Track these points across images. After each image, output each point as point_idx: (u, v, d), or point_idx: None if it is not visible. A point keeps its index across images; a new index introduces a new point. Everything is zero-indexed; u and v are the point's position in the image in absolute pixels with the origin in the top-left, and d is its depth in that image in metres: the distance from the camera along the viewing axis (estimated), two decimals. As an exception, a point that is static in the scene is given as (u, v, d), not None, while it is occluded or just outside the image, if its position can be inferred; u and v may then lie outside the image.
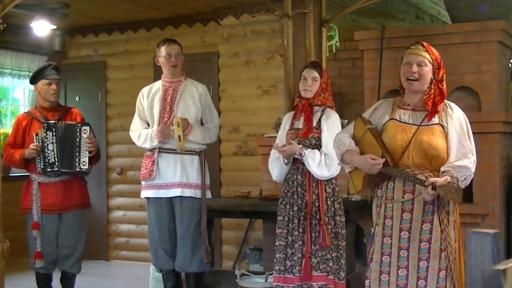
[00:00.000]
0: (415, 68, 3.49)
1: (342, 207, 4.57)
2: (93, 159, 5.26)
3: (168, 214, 5.08)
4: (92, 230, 6.75)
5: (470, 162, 3.45)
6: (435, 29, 6.02)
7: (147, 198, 5.15)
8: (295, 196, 4.49)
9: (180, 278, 5.30)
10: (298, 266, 4.43)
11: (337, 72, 6.45)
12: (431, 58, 3.52)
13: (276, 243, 4.53)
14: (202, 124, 5.19)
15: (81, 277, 5.53)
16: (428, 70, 3.51)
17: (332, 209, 4.50)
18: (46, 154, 5.11)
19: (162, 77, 5.23)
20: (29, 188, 5.20)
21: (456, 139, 3.48)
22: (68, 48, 8.36)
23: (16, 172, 7.03)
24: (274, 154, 4.60)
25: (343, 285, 4.51)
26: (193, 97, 5.14)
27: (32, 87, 5.48)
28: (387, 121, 3.59)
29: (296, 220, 4.47)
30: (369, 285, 3.58)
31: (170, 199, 5.06)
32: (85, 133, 5.17)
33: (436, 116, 3.52)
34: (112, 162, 8.10)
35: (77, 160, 5.14)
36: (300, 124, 4.58)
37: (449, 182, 3.31)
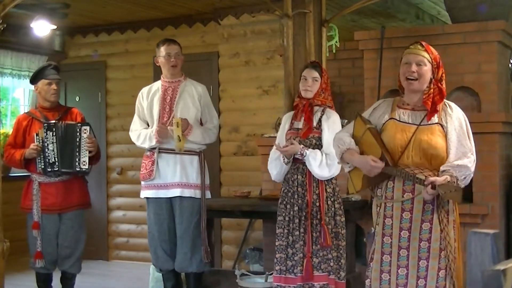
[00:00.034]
0: (414, 67, 3.50)
1: (342, 207, 4.57)
2: (93, 159, 5.26)
3: (167, 214, 5.08)
4: (92, 230, 6.75)
5: (470, 161, 3.45)
6: (435, 29, 6.02)
7: (147, 198, 5.15)
8: (296, 196, 4.49)
9: (180, 278, 5.30)
10: (299, 266, 4.42)
11: (337, 72, 6.45)
12: (430, 57, 3.53)
13: (276, 243, 4.53)
14: (201, 124, 5.19)
15: (81, 277, 5.53)
16: (427, 69, 3.51)
17: (333, 209, 4.50)
18: (46, 154, 5.11)
19: (161, 77, 5.23)
20: (29, 188, 5.20)
21: (455, 138, 3.48)
22: (68, 48, 8.36)
23: (16, 172, 7.03)
24: (274, 153, 4.60)
25: (343, 284, 4.52)
26: (192, 97, 5.14)
27: (32, 87, 5.48)
28: (387, 120, 3.60)
29: (297, 220, 4.47)
30: (370, 285, 3.58)
31: (170, 199, 5.06)
32: (85, 133, 5.17)
33: (436, 115, 3.52)
34: (112, 162, 8.10)
35: (77, 160, 5.15)
36: (300, 124, 4.58)
37: (448, 181, 3.31)
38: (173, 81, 5.17)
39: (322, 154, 4.44)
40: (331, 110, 4.61)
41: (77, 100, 8.13)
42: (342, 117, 4.77)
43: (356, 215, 5.35)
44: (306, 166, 4.47)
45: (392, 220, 3.52)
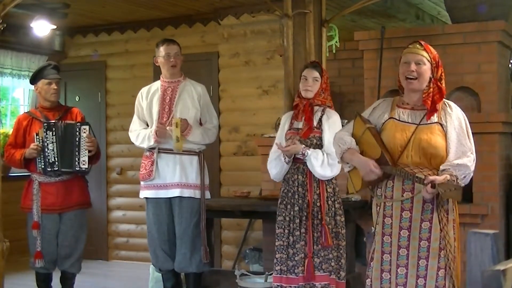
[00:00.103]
0: (413, 66, 3.51)
1: (341, 207, 4.57)
2: (93, 159, 5.26)
3: (167, 214, 5.08)
4: (92, 230, 6.74)
5: (470, 160, 3.46)
6: (435, 29, 6.03)
7: (146, 198, 5.15)
8: (296, 196, 4.49)
9: (180, 278, 5.30)
10: (301, 267, 4.42)
11: (337, 72, 6.45)
12: (429, 56, 3.53)
13: (276, 243, 4.52)
14: (201, 124, 5.19)
15: (81, 277, 5.53)
16: (426, 68, 3.52)
17: (333, 209, 4.50)
18: (46, 154, 5.11)
19: (161, 77, 5.23)
20: (29, 188, 5.21)
21: (455, 137, 3.48)
22: (68, 48, 8.36)
23: (16, 172, 7.03)
24: (274, 153, 4.59)
25: (343, 284, 4.52)
26: (192, 97, 5.14)
27: (32, 87, 5.48)
28: (386, 120, 3.60)
29: (297, 220, 4.46)
30: (370, 284, 3.59)
31: (169, 199, 5.06)
32: (84, 132, 5.17)
33: (435, 115, 3.52)
34: (112, 162, 8.10)
35: (76, 159, 5.15)
36: (300, 124, 4.57)
37: (448, 180, 3.31)
38: (173, 81, 5.17)
39: (323, 154, 4.44)
40: (331, 110, 4.61)
41: (77, 100, 8.13)
42: (342, 117, 4.76)
43: (356, 215, 5.36)
44: (306, 166, 4.47)
45: (391, 220, 3.53)
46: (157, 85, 5.22)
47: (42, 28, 6.98)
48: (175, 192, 5.03)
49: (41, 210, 5.12)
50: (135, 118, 5.26)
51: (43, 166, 5.11)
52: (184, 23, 7.54)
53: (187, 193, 5.03)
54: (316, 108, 4.57)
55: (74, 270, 5.31)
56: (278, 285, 4.50)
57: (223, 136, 7.26)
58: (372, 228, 3.66)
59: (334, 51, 5.88)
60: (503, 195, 5.42)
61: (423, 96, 3.53)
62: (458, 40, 5.49)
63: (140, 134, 5.15)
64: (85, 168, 5.17)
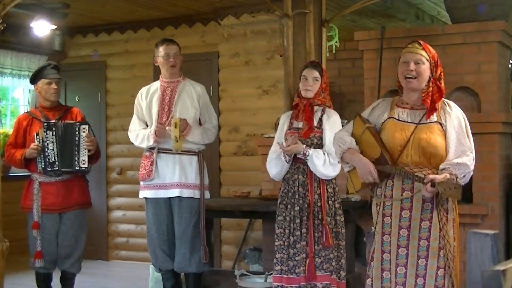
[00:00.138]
0: (412, 66, 3.51)
1: (341, 207, 4.58)
2: (93, 158, 5.26)
3: (166, 214, 5.08)
4: (92, 230, 6.74)
5: (469, 159, 3.46)
6: (435, 29, 6.03)
7: (146, 198, 5.15)
8: (296, 196, 4.49)
9: (180, 278, 5.30)
10: (302, 267, 4.42)
11: (337, 72, 6.45)
12: (428, 56, 3.54)
13: (276, 243, 4.52)
14: (200, 124, 5.19)
15: (80, 277, 5.53)
16: (425, 68, 3.52)
17: (333, 209, 4.50)
18: (47, 154, 5.12)
19: (160, 77, 5.23)
20: (30, 188, 5.21)
21: (454, 137, 3.49)
22: (68, 48, 8.36)
23: (15, 172, 7.03)
24: (274, 152, 4.59)
25: (343, 284, 4.52)
26: (191, 97, 5.14)
27: (32, 87, 5.48)
28: (386, 119, 3.61)
29: (297, 220, 4.46)
30: (371, 284, 3.59)
31: (169, 199, 5.06)
32: (84, 131, 5.17)
33: (435, 114, 3.53)
34: (112, 162, 8.10)
35: (76, 159, 5.15)
36: (300, 123, 4.57)
37: (448, 179, 3.31)
38: (172, 81, 5.17)
39: (324, 154, 4.44)
40: (331, 110, 4.62)
41: (77, 100, 8.13)
42: (342, 117, 4.77)
43: (356, 215, 5.36)
44: (306, 166, 4.46)
45: (391, 219, 3.53)
46: (156, 85, 5.22)
47: (42, 28, 6.98)
48: (174, 192, 5.03)
49: (41, 210, 5.12)
50: (134, 118, 5.26)
51: (43, 166, 5.11)
52: (184, 23, 7.54)
53: (186, 193, 5.03)
54: (316, 108, 4.57)
55: (74, 270, 5.31)
56: (278, 285, 4.50)
57: (223, 136, 7.25)
58: (372, 228, 3.66)
59: (334, 51, 5.88)
60: (503, 195, 5.42)
61: (423, 95, 3.53)
62: (458, 40, 5.49)
63: (139, 134, 5.15)
64: (85, 167, 5.17)
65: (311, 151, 4.43)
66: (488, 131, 5.25)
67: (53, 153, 5.12)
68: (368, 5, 5.62)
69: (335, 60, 6.24)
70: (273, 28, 6.87)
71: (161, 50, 5.12)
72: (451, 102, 3.63)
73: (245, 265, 6.54)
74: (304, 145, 4.44)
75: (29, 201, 5.16)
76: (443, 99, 3.59)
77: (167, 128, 4.99)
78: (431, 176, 3.35)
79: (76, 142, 5.15)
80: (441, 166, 3.43)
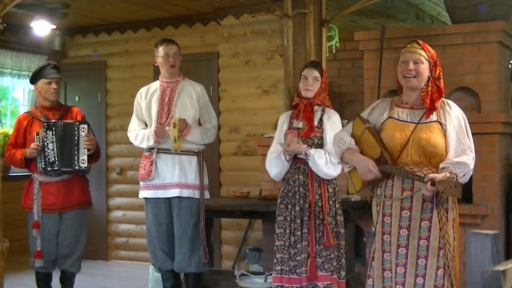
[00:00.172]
0: (411, 65, 3.52)
1: (341, 207, 4.58)
2: (93, 157, 5.26)
3: (166, 215, 5.07)
4: (91, 230, 6.74)
5: (469, 158, 3.46)
6: (435, 29, 6.03)
7: (146, 198, 5.15)
8: (297, 196, 4.49)
9: (179, 278, 5.30)
10: (304, 267, 4.42)
11: (337, 72, 6.46)
12: (427, 55, 3.55)
13: (277, 243, 4.51)
14: (200, 124, 5.18)
15: (80, 277, 5.53)
16: (425, 67, 3.53)
17: (334, 209, 4.51)
18: (47, 154, 5.12)
19: (159, 77, 5.23)
20: (30, 188, 5.21)
21: (454, 136, 3.49)
22: (68, 48, 8.36)
23: (15, 172, 7.03)
24: (273, 152, 4.59)
25: (344, 284, 4.53)
26: (190, 97, 5.14)
27: (32, 86, 5.49)
28: (385, 119, 3.61)
29: (298, 221, 4.46)
30: (373, 284, 3.59)
31: (169, 199, 5.06)
32: (83, 131, 5.17)
33: (434, 113, 3.54)
34: (112, 162, 8.10)
35: (76, 158, 5.15)
36: (300, 123, 4.57)
37: (448, 177, 3.32)
38: (172, 81, 5.17)
39: (325, 153, 4.44)
40: (331, 110, 4.62)
41: (77, 100, 8.13)
42: (342, 117, 4.77)
43: (355, 215, 5.36)
44: (307, 166, 4.46)
45: (391, 219, 3.54)
46: (156, 85, 5.22)
47: (42, 28, 6.98)
48: (174, 192, 5.03)
49: (42, 209, 5.13)
50: (134, 118, 5.26)
51: (43, 166, 5.11)
52: (184, 23, 7.54)
53: (186, 193, 5.03)
54: (316, 107, 4.57)
55: (74, 270, 5.31)
56: (278, 285, 4.49)
57: (223, 136, 7.25)
58: (373, 228, 3.66)
59: (334, 51, 5.88)
60: (503, 196, 5.42)
61: (422, 94, 3.54)
62: (458, 41, 5.49)
63: (139, 134, 5.15)
64: (85, 167, 5.17)
65: (313, 151, 4.42)
66: (488, 131, 5.25)
67: (53, 153, 5.12)
68: (368, 5, 5.62)
69: (335, 60, 6.24)
70: (273, 28, 6.87)
71: (161, 50, 5.12)
72: (450, 102, 3.64)
73: (245, 265, 6.54)
74: (305, 145, 4.44)
75: (30, 200, 5.16)
76: (442, 98, 3.60)
77: (166, 128, 4.99)
78: (431, 175, 3.35)
79: (76, 142, 5.15)
80: (441, 165, 3.43)
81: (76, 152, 5.15)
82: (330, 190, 4.51)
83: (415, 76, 3.52)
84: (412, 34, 5.55)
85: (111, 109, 8.10)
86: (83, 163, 5.15)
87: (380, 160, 3.52)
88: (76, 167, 5.15)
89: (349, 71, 6.46)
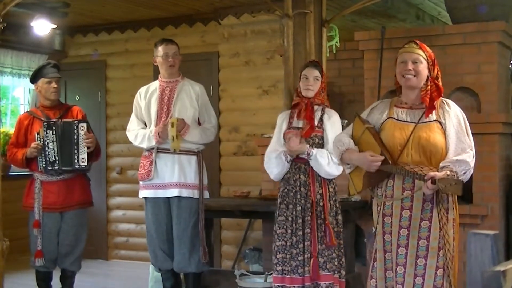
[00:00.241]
0: (410, 65, 3.53)
1: (340, 206, 4.58)
2: (93, 156, 5.26)
3: (166, 214, 5.07)
4: (91, 230, 6.74)
5: (469, 156, 3.47)
6: (435, 29, 6.03)
7: (145, 198, 5.15)
8: (298, 196, 4.48)
9: (179, 277, 5.30)
10: (307, 267, 4.41)
11: (337, 72, 6.45)
12: (425, 55, 3.57)
13: (278, 244, 4.50)
14: (199, 124, 5.18)
15: (80, 277, 5.53)
16: (423, 67, 3.54)
17: (334, 208, 4.51)
18: (47, 153, 5.12)
19: (159, 77, 5.23)
20: (31, 187, 5.21)
21: (454, 135, 3.50)
22: (68, 47, 8.36)
23: (15, 171, 7.03)
24: (272, 152, 4.58)
25: (344, 283, 4.53)
26: (190, 97, 5.14)
27: (32, 86, 5.49)
28: (385, 120, 3.62)
29: (300, 220, 4.45)
30: (376, 285, 3.58)
31: (168, 199, 5.06)
32: (82, 129, 5.17)
33: (434, 113, 3.54)
34: (112, 162, 8.10)
35: (75, 157, 5.15)
36: (299, 123, 4.56)
37: (448, 175, 3.32)
38: (171, 81, 5.17)
39: (327, 153, 4.44)
40: (331, 110, 4.62)
41: (77, 99, 8.12)
42: (342, 117, 4.77)
43: (356, 215, 5.36)
44: (308, 165, 4.46)
45: (391, 219, 3.54)
46: (155, 85, 5.22)
47: (42, 27, 6.98)
48: (173, 192, 5.03)
49: (43, 208, 5.13)
50: (133, 117, 5.26)
51: (44, 165, 5.11)
52: (184, 22, 7.54)
53: (185, 193, 5.03)
54: (315, 107, 4.56)
55: (74, 268, 5.32)
56: (279, 286, 4.49)
57: (223, 136, 7.25)
58: (373, 228, 3.66)
59: (334, 51, 5.89)
60: (503, 196, 5.42)
61: (421, 93, 3.55)
62: (458, 41, 5.49)
63: (138, 134, 5.15)
64: (85, 165, 5.17)
65: (315, 151, 4.42)
66: (488, 132, 5.25)
67: (53, 152, 5.12)
68: (369, 5, 5.62)
69: (335, 60, 6.24)
70: (273, 28, 6.87)
71: (160, 50, 5.12)
72: (449, 101, 3.65)
73: (245, 265, 6.54)
74: (307, 145, 4.44)
75: (31, 199, 5.17)
76: (441, 98, 3.60)
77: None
78: (432, 173, 3.36)
79: (75, 141, 5.16)
80: (441, 164, 3.44)
81: (76, 151, 5.15)
82: (331, 189, 4.52)
83: (414, 76, 3.53)
84: (412, 34, 5.55)
85: (111, 109, 8.10)
86: (83, 161, 5.15)
87: (380, 160, 3.52)
88: (76, 166, 5.15)
89: (349, 71, 6.46)
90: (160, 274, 5.30)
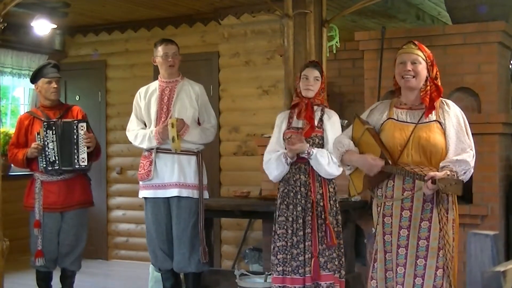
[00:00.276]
0: (409, 66, 3.54)
1: (339, 206, 4.58)
2: (93, 155, 5.27)
3: (165, 214, 5.07)
4: (91, 230, 6.74)
5: (469, 156, 3.47)
6: (435, 29, 6.03)
7: (145, 198, 5.15)
8: (299, 196, 4.48)
9: (179, 277, 5.30)
10: (308, 267, 4.41)
11: (337, 72, 6.45)
12: (424, 55, 3.57)
13: (278, 244, 4.50)
14: (199, 124, 5.18)
15: (80, 277, 5.53)
16: (422, 67, 3.55)
17: (334, 208, 4.51)
18: (47, 153, 5.12)
19: (159, 77, 5.23)
20: (32, 187, 5.22)
21: (454, 135, 3.50)
22: (69, 47, 8.36)
23: (15, 171, 7.03)
24: (272, 153, 4.57)
25: (344, 282, 4.53)
26: (189, 97, 5.13)
27: (32, 86, 5.49)
28: (385, 120, 3.62)
29: (300, 221, 4.45)
30: (376, 286, 3.58)
31: (168, 199, 5.06)
32: (82, 129, 5.18)
33: (434, 113, 3.54)
34: (112, 162, 8.10)
35: (75, 157, 5.15)
36: (299, 123, 4.56)
37: (448, 175, 3.32)
38: (171, 81, 5.17)
39: (327, 153, 4.43)
40: (330, 110, 4.63)
41: (77, 99, 8.12)
42: (342, 117, 4.77)
43: (356, 216, 5.36)
44: (308, 165, 4.46)
45: (391, 219, 3.54)
46: (155, 85, 5.22)
47: (42, 27, 6.98)
48: (173, 192, 5.03)
49: (43, 208, 5.13)
50: (133, 117, 5.26)
51: (44, 165, 5.12)
52: (184, 22, 7.54)
53: (185, 193, 5.03)
54: (315, 107, 4.56)
55: (74, 268, 5.32)
56: (280, 286, 4.48)
57: (223, 136, 7.25)
58: (373, 229, 3.66)
59: (334, 51, 5.89)
60: (503, 196, 5.42)
61: (421, 94, 3.55)
62: (459, 41, 5.49)
63: (138, 134, 5.15)
64: (85, 165, 5.17)
65: (315, 151, 4.42)
66: (488, 132, 5.25)
67: (54, 152, 5.12)
68: (369, 5, 5.62)
69: (336, 60, 6.24)
70: (273, 28, 6.87)
71: (160, 50, 5.12)
72: (449, 101, 3.65)
73: (245, 265, 6.54)
74: (308, 145, 4.44)
75: (31, 199, 5.17)
76: (441, 98, 3.61)
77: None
78: (432, 173, 3.36)
79: (75, 140, 5.16)
80: (441, 164, 3.44)
81: (75, 151, 5.15)
82: (331, 189, 4.52)
83: (413, 76, 3.53)
84: (412, 34, 5.56)
85: (111, 109, 8.10)
86: (83, 161, 5.15)
87: (380, 161, 3.52)
88: (76, 166, 5.16)
89: (349, 71, 6.46)
90: (160, 274, 5.30)
